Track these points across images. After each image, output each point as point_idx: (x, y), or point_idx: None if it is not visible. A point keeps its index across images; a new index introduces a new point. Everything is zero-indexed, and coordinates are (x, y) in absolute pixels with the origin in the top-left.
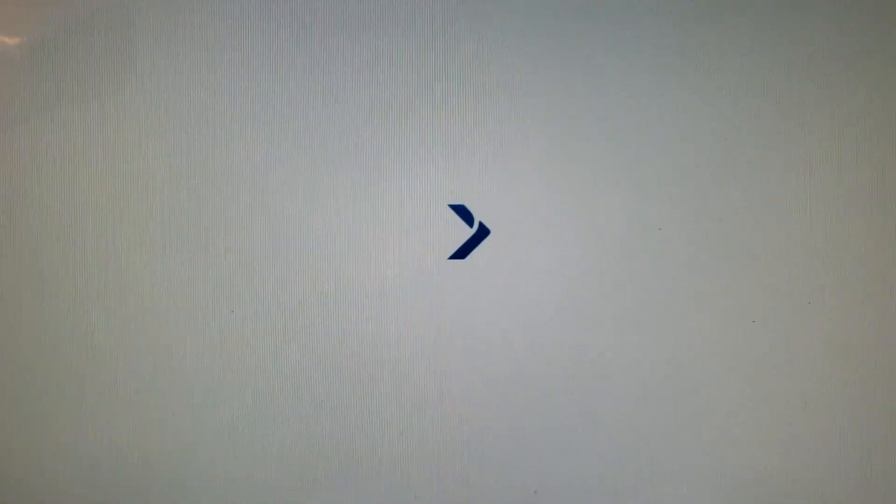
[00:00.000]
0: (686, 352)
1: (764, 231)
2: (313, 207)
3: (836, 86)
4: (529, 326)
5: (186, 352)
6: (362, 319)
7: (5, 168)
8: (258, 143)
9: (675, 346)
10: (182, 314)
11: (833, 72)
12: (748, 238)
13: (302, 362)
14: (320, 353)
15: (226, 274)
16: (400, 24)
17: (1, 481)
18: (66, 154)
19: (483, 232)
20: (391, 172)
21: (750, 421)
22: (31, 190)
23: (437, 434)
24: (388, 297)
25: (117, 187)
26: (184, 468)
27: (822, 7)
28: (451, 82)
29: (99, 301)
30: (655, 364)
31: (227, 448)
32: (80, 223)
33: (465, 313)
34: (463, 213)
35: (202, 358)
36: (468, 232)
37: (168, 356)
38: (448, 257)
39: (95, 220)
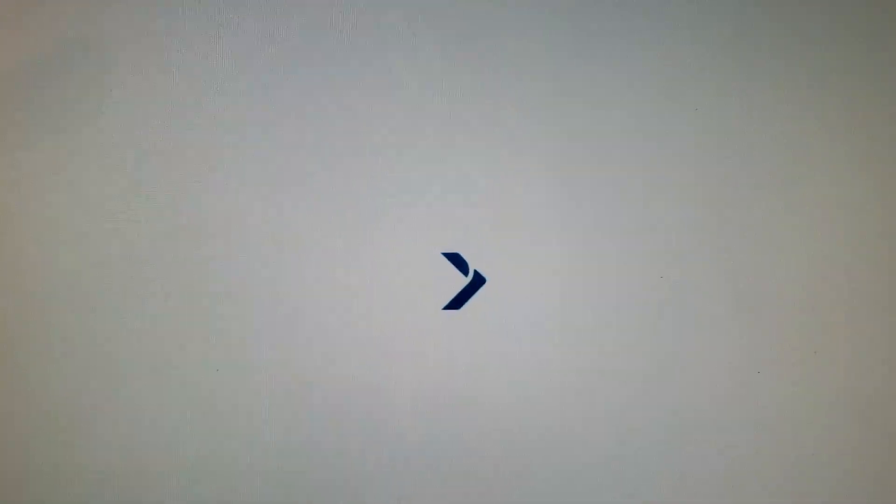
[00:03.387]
0: (690, 403)
1: (770, 280)
2: (300, 256)
3: (847, 119)
4: (530, 382)
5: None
6: (350, 375)
7: None
8: (238, 183)
9: (680, 397)
10: (160, 373)
11: (845, 104)
12: (753, 287)
13: (286, 420)
14: (306, 412)
15: (209, 324)
16: (395, 69)
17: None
18: (37, 187)
19: (479, 281)
20: (382, 219)
21: (756, 475)
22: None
23: (430, 496)
24: (379, 351)
25: (89, 216)
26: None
27: (827, 25)
28: (444, 127)
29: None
30: (660, 416)
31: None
32: (61, 252)
33: (461, 367)
34: (457, 261)
35: (180, 423)
36: (463, 281)
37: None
38: (442, 308)
39: (77, 248)
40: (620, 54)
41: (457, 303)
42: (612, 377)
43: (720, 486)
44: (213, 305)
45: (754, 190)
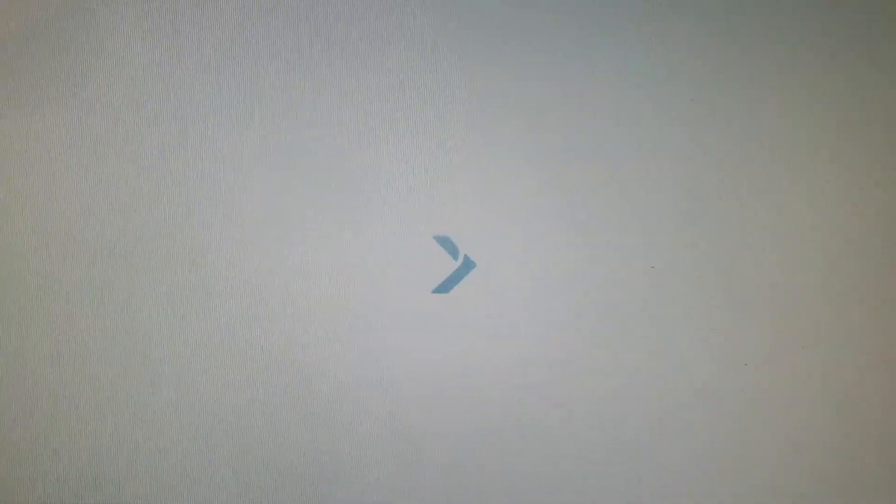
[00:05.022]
0: (678, 392)
1: (759, 274)
2: (289, 239)
3: (843, 122)
4: (518, 367)
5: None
6: (338, 360)
7: None
8: (230, 166)
9: (668, 386)
10: (147, 359)
11: (837, 100)
12: (743, 281)
13: (275, 405)
14: (293, 396)
15: (198, 310)
16: (387, 53)
17: None
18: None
19: (468, 265)
20: (372, 203)
21: (741, 467)
22: None
23: (417, 479)
24: (367, 333)
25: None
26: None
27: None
28: (436, 110)
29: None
30: (648, 404)
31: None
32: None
33: (449, 351)
34: (448, 245)
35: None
36: (453, 265)
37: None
38: (431, 291)
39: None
40: (611, 43)
41: (446, 286)
42: (601, 365)
43: (705, 476)
44: (202, 290)
45: (745, 184)
